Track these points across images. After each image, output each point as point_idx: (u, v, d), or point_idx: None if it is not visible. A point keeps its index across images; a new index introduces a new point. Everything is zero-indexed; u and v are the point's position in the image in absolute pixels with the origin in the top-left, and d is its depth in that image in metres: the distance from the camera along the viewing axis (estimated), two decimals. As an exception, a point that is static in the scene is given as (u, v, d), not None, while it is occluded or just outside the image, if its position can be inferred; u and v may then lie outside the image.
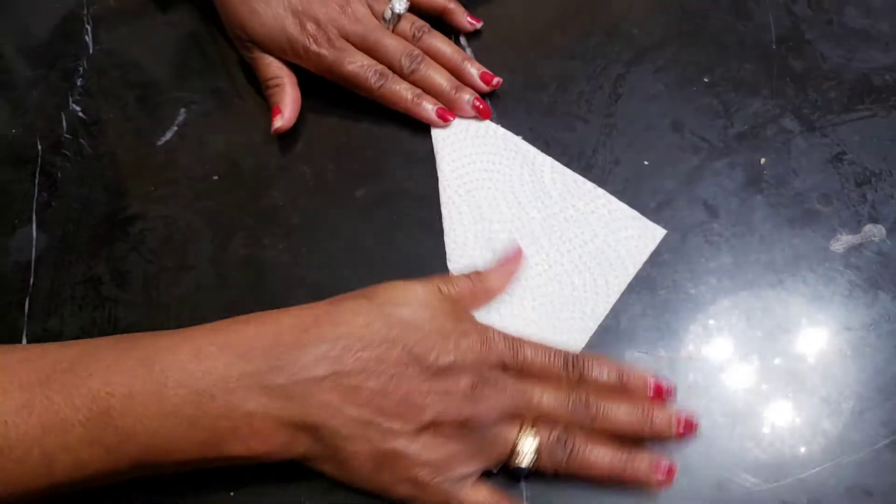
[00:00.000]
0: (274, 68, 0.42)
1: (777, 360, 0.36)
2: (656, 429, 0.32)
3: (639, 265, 0.39)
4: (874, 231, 0.39)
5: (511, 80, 0.44)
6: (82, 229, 0.40)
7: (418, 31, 0.43)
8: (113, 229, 0.40)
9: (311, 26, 0.40)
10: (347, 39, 0.41)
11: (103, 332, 0.37)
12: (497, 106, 0.43)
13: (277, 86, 0.41)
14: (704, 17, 0.46)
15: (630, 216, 0.40)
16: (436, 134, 0.42)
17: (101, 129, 0.44)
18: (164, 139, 0.43)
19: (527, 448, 0.31)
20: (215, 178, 0.42)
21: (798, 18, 0.46)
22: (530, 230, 0.40)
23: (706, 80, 0.44)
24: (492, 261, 0.38)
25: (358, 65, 0.41)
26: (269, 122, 0.41)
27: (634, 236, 0.39)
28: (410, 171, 0.42)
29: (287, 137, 0.42)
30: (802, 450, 0.34)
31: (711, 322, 0.37)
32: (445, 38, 0.44)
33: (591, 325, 0.37)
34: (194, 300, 0.38)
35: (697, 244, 0.39)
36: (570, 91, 0.44)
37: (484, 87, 0.43)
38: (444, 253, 0.39)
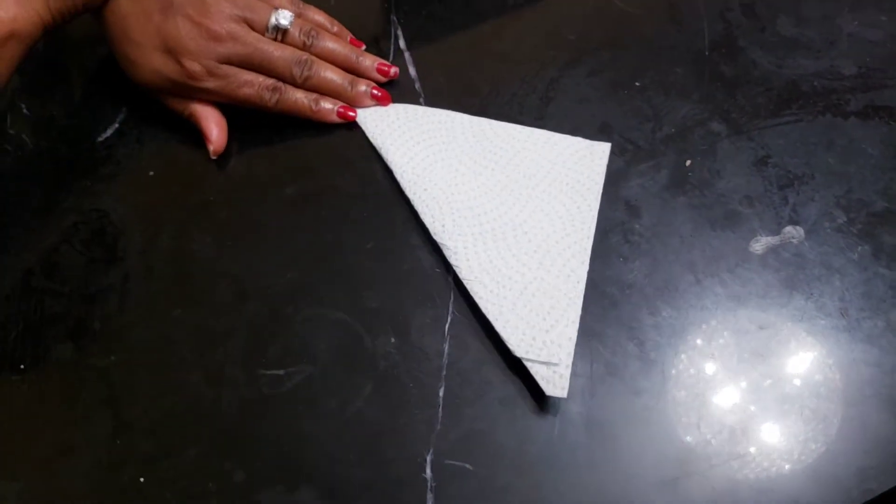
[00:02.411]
0: (179, 104, 0.44)
1: (687, 362, 0.38)
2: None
3: (602, 179, 0.43)
4: (793, 233, 0.42)
5: (445, 83, 0.47)
6: (15, 222, 0.43)
7: (308, 38, 0.45)
8: (46, 222, 0.43)
9: (187, 63, 0.41)
10: (230, 63, 0.42)
11: (30, 323, 0.39)
12: (433, 107, 0.46)
13: (191, 116, 0.44)
14: (640, 23, 0.49)
15: (574, 141, 0.44)
16: (370, 131, 0.45)
17: (44, 125, 0.47)
18: (104, 136, 0.46)
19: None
20: (151, 173, 0.45)
21: (732, 25, 0.49)
22: (495, 182, 0.43)
23: (637, 84, 0.47)
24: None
25: (248, 87, 0.43)
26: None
27: (586, 156, 0.44)
28: (341, 169, 0.45)
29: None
30: (715, 442, 0.36)
31: (625, 323, 0.39)
32: (337, 36, 0.47)
33: (586, 244, 0.41)
34: (120, 291, 0.41)
35: (617, 243, 0.42)
36: (502, 94, 0.47)
37: (381, 79, 0.47)
38: (369, 248, 0.42)
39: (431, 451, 0.36)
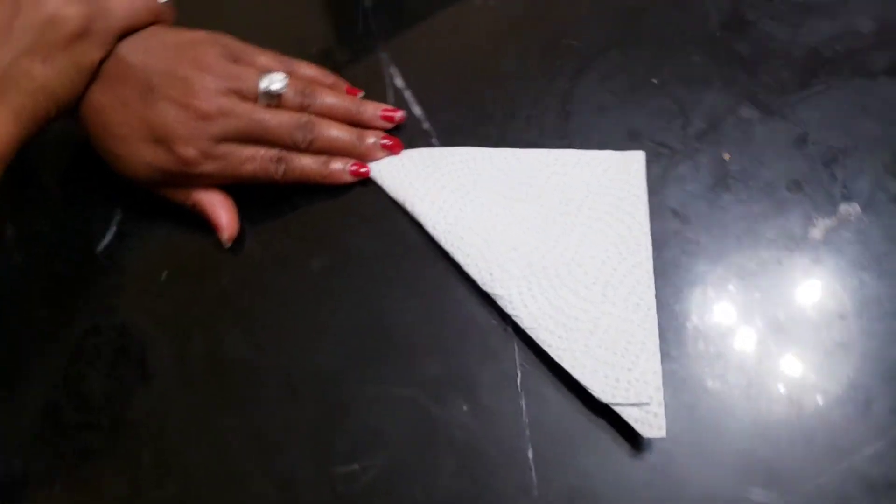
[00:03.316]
0: (180, 194, 0.42)
1: (771, 359, 0.37)
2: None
3: (644, 191, 0.41)
4: (849, 210, 0.41)
5: (455, 116, 0.45)
6: (27, 352, 0.40)
7: (304, 97, 0.42)
8: (61, 348, 0.40)
9: (181, 150, 0.39)
10: (227, 140, 0.40)
11: (70, 465, 0.37)
12: (447, 145, 0.44)
13: (195, 205, 0.42)
14: (642, 15, 0.48)
15: (606, 156, 0.43)
16: (387, 185, 0.43)
17: (36, 242, 0.44)
18: (103, 243, 0.43)
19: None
20: (164, 274, 0.42)
21: (737, 0, 0.47)
22: (534, 215, 0.41)
23: (655, 80, 0.45)
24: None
25: (250, 163, 0.40)
26: (208, 206, 0.42)
27: (622, 169, 0.42)
28: (364, 231, 0.42)
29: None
30: (815, 448, 0.35)
31: (700, 336, 0.38)
32: (334, 90, 0.44)
33: (647, 266, 0.39)
34: (161, 411, 0.38)
35: (674, 256, 0.40)
36: (517, 117, 0.45)
37: (387, 126, 0.45)
38: (413, 311, 0.40)
39: (535, 521, 0.34)
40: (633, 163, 0.42)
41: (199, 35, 0.41)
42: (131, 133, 0.39)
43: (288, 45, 0.46)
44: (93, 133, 0.40)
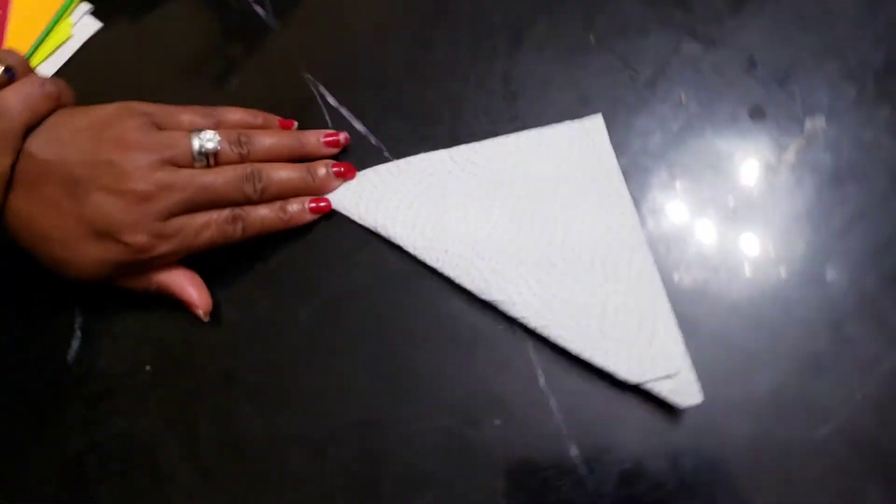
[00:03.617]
0: (139, 282, 0.39)
1: (761, 290, 0.37)
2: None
3: (612, 155, 0.40)
4: (815, 125, 0.41)
5: (400, 125, 0.43)
6: (23, 486, 0.38)
7: (241, 147, 0.39)
8: (64, 475, 0.38)
9: (129, 238, 0.36)
10: (175, 214, 0.37)
11: None
12: (400, 155, 0.42)
13: (160, 289, 0.39)
14: (561, -29, 0.46)
15: (565, 128, 0.41)
16: (353, 213, 0.41)
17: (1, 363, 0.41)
18: (72, 351, 0.40)
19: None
20: (147, 368, 0.40)
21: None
22: (511, 208, 0.40)
23: (592, 38, 0.44)
24: None
25: (205, 231, 0.38)
26: (175, 286, 0.39)
27: (585, 137, 0.41)
28: (341, 268, 0.41)
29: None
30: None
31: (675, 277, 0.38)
32: (269, 130, 0.42)
33: (638, 234, 0.38)
34: (190, 511, 0.36)
35: (658, 204, 0.40)
36: (464, 109, 0.43)
37: (334, 151, 0.43)
38: (417, 337, 0.38)
39: (598, 516, 0.34)
40: (593, 128, 0.41)
41: (111, 110, 0.38)
42: (69, 234, 0.36)
43: (200, 84, 0.44)
44: (27, 242, 0.37)
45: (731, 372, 0.36)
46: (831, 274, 0.37)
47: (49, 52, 0.48)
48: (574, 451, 0.36)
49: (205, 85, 0.46)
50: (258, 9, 0.47)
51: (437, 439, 0.36)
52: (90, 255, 0.37)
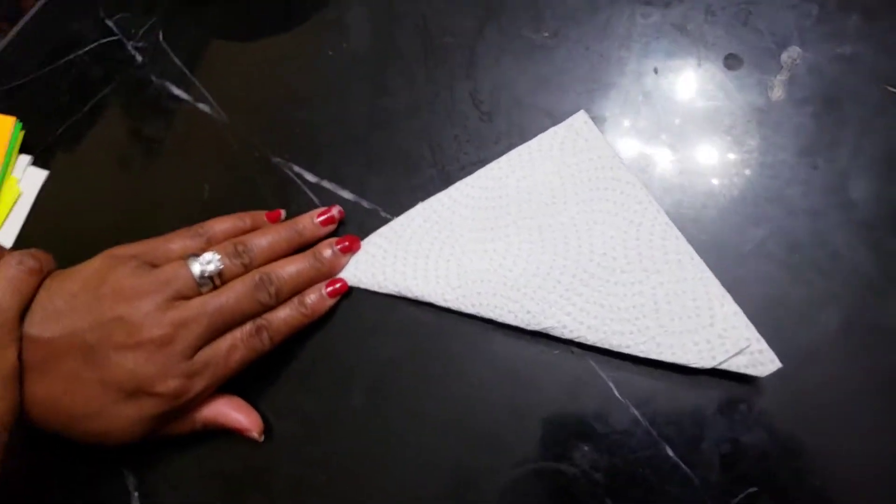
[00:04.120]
0: (183, 426, 0.37)
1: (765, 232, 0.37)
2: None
3: (609, 148, 0.40)
4: (792, 55, 0.40)
5: (386, 179, 0.42)
6: None
7: (241, 257, 0.38)
8: None
9: (162, 388, 0.35)
10: (200, 347, 0.36)
11: None
12: (398, 212, 0.41)
13: (206, 425, 0.38)
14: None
15: (552, 134, 0.41)
16: (370, 284, 0.40)
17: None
18: (136, 515, 0.39)
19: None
20: (219, 506, 0.38)
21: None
22: (530, 231, 0.39)
23: (546, 34, 0.43)
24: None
25: (234, 353, 0.37)
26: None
27: (576, 138, 0.40)
28: (375, 340, 0.40)
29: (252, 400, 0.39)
30: None
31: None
32: (263, 230, 0.40)
33: (661, 217, 0.38)
34: None
35: (663, 174, 0.39)
36: (444, 144, 0.42)
37: (331, 229, 0.41)
38: (482, 386, 0.38)
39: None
40: (580, 126, 0.40)
41: (97, 264, 0.37)
42: (99, 404, 0.35)
43: (174, 203, 0.42)
44: (58, 426, 0.36)
45: (790, 321, 0.36)
46: (855, 192, 0.37)
47: (3, 217, 0.45)
48: (670, 452, 0.35)
49: (179, 202, 0.44)
50: (203, 107, 0.46)
51: (533, 483, 0.36)
52: (127, 417, 0.35)
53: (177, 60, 0.47)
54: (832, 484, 0.33)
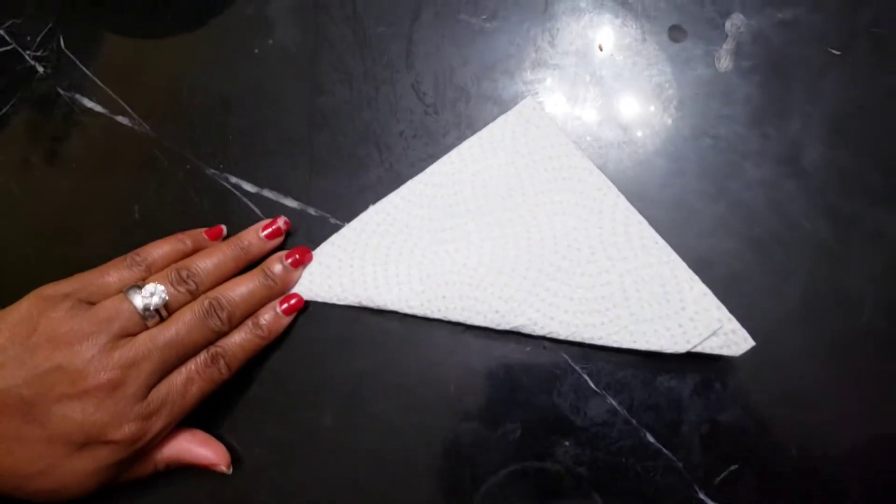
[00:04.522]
0: (144, 467, 0.35)
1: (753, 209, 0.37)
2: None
3: (561, 133, 0.38)
4: (735, 23, 0.40)
5: (331, 181, 0.40)
6: None
7: (186, 284, 0.36)
8: None
9: (116, 435, 0.32)
10: (152, 385, 0.33)
11: None
12: (348, 218, 0.39)
13: (168, 464, 0.35)
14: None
15: (502, 122, 0.39)
16: (328, 296, 0.38)
17: None
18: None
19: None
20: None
21: None
22: (488, 227, 0.38)
23: (484, 17, 0.42)
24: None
25: (191, 386, 0.34)
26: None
27: (527, 125, 0.39)
28: (349, 356, 0.38)
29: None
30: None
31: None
32: (207, 251, 0.38)
33: (621, 202, 0.37)
34: None
35: (619, 164, 0.39)
36: (391, 142, 0.40)
37: (278, 241, 0.39)
38: (455, 393, 0.37)
39: (701, 489, 0.34)
40: (529, 113, 0.39)
41: (25, 308, 0.33)
42: (46, 462, 0.32)
43: (99, 228, 0.39)
44: (6, 489, 0.33)
45: (756, 296, 0.36)
46: (807, 159, 0.38)
47: None
48: (651, 438, 0.35)
49: (107, 227, 0.40)
50: (122, 119, 0.42)
51: (517, 484, 0.35)
52: (81, 470, 0.33)
53: (85, 70, 0.43)
54: (810, 453, 0.34)
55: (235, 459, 0.37)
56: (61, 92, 0.43)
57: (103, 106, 0.42)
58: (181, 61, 0.42)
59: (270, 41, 0.42)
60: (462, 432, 0.36)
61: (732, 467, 0.35)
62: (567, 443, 0.36)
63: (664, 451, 0.35)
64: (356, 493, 0.36)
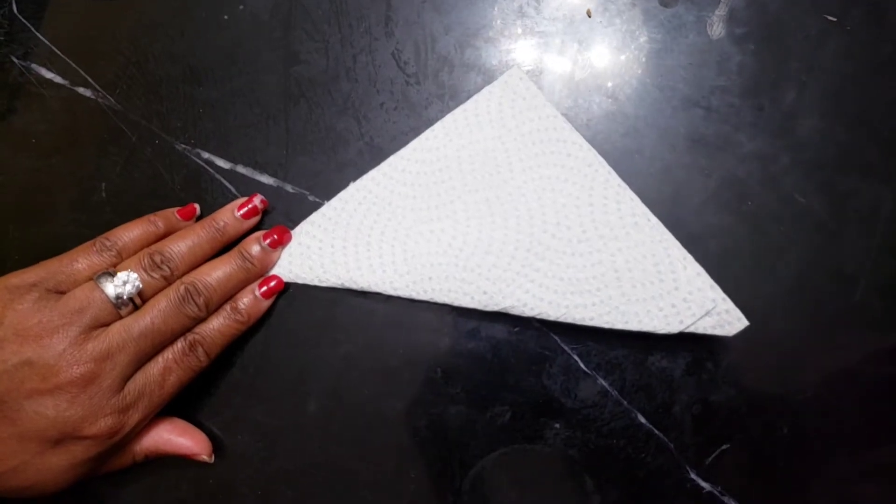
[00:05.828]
0: (123, 459, 0.34)
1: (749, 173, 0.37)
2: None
3: (548, 105, 0.37)
4: (729, -12, 0.39)
5: (307, 158, 0.39)
6: None
7: (160, 268, 0.34)
8: None
9: (92, 430, 0.31)
10: (129, 376, 0.32)
11: None
12: (329, 195, 0.38)
13: (148, 455, 0.35)
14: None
15: (488, 93, 0.38)
16: (310, 278, 0.37)
17: None
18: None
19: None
20: (175, 539, 0.36)
21: None
22: (475, 204, 0.37)
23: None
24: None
25: (169, 375, 0.33)
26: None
27: (514, 96, 0.38)
28: (333, 340, 0.37)
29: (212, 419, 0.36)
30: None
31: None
32: (180, 233, 0.36)
33: (612, 178, 0.36)
34: None
35: (608, 134, 0.38)
36: (370, 114, 0.39)
37: (255, 221, 0.38)
38: (442, 375, 0.36)
39: (692, 469, 0.34)
40: (515, 83, 0.38)
41: None
42: (18, 459, 0.31)
43: (62, 207, 0.37)
44: None
45: (749, 274, 0.36)
46: (802, 132, 0.37)
47: None
48: (642, 419, 0.35)
49: (71, 208, 0.38)
50: (84, 91, 0.40)
51: (508, 468, 0.35)
52: (56, 466, 0.32)
53: (41, 37, 0.40)
54: (800, 431, 0.34)
55: (217, 447, 0.36)
56: (16, 61, 0.40)
57: (63, 77, 0.40)
58: (146, 28, 0.40)
59: (241, 6, 0.40)
60: (450, 416, 0.36)
61: (724, 447, 0.35)
62: (557, 425, 0.35)
63: (655, 431, 0.35)
64: (342, 481, 0.35)
